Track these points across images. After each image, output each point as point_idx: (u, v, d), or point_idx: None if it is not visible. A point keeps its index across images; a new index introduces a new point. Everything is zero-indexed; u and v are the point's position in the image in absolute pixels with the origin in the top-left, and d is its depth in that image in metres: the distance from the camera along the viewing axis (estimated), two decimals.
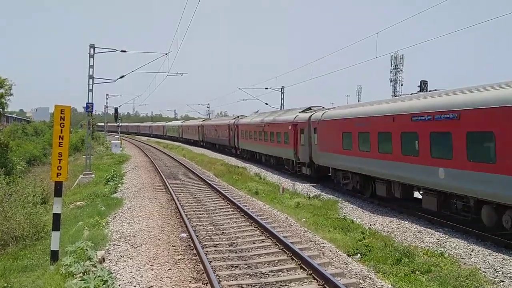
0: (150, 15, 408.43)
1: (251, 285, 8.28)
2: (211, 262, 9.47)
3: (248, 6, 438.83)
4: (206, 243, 11.20)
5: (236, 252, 10.38)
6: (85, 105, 30.76)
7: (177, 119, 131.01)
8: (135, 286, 8.33)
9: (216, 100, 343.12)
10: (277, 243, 10.83)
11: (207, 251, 10.39)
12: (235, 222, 13.69)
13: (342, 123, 19.22)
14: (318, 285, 8.21)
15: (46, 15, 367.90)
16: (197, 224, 13.36)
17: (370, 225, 14.00)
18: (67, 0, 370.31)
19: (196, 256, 10.11)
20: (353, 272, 8.99)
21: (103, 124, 74.57)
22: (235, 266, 9.35)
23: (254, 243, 11.16)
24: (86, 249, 9.82)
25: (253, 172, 28.55)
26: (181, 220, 13.83)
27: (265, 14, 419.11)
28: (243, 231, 12.47)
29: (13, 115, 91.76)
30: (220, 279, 8.51)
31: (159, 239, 11.75)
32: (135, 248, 10.96)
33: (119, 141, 56.58)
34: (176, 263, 9.71)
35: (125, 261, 9.88)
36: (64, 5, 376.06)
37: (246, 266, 9.35)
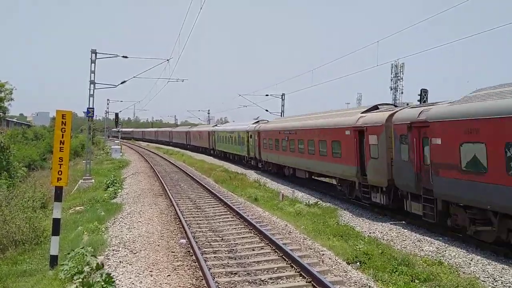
0: (152, 21, 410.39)
1: None
2: (210, 268, 9.46)
3: (249, 13, 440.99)
4: (206, 249, 11.20)
5: (235, 259, 10.37)
6: (85, 110, 30.84)
7: (177, 125, 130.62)
8: None
9: (217, 106, 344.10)
10: (276, 250, 10.83)
11: (206, 257, 10.38)
12: (234, 228, 13.68)
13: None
14: None
15: (47, 19, 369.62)
16: (196, 230, 13.36)
17: (370, 233, 13.99)
18: (69, 5, 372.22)
19: (195, 262, 10.10)
20: (353, 280, 8.99)
21: (118, 129, 74.69)
22: (234, 273, 9.35)
23: (253, 250, 11.15)
24: (86, 255, 9.82)
25: (252, 178, 28.56)
26: (181, 226, 13.82)
27: (266, 21, 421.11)
28: (242, 237, 12.46)
29: (14, 120, 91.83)
30: (219, 286, 8.50)
31: (158, 245, 11.74)
32: (134, 253, 10.95)
33: (119, 146, 56.64)
34: (175, 269, 9.70)
35: (124, 266, 9.87)
36: (66, 10, 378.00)
37: (245, 273, 9.35)
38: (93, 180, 28.46)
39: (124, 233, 13.14)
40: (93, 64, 28.72)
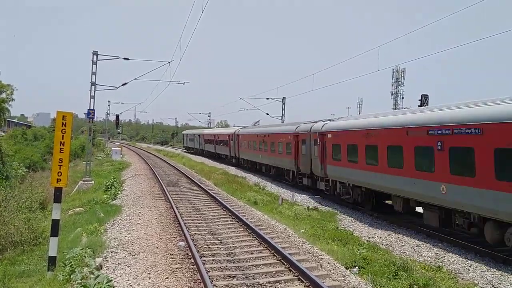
0: (153, 23, 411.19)
1: None
2: (208, 271, 9.45)
3: (251, 18, 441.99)
4: (204, 252, 11.18)
5: (233, 262, 10.35)
6: (86, 111, 30.85)
7: (178, 128, 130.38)
8: None
9: (218, 109, 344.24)
10: (275, 254, 10.81)
11: (204, 260, 10.37)
12: (233, 231, 13.67)
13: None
14: None
15: (49, 21, 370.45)
16: (195, 233, 13.34)
17: (369, 237, 13.98)
18: (71, 7, 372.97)
19: (193, 265, 10.08)
20: (351, 285, 8.97)
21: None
22: (233, 276, 9.33)
23: (252, 253, 11.14)
24: (84, 256, 9.81)
25: (252, 182, 28.57)
26: (180, 229, 13.80)
27: (268, 25, 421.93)
28: (241, 241, 12.44)
29: (14, 120, 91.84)
30: None
31: (157, 247, 11.72)
32: (133, 256, 10.93)
33: (119, 148, 56.65)
34: (173, 272, 9.68)
35: (122, 268, 9.86)
36: (68, 12, 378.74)
37: (244, 276, 9.33)
38: (93, 182, 28.45)
39: (123, 235, 13.12)
40: (94, 66, 28.77)
